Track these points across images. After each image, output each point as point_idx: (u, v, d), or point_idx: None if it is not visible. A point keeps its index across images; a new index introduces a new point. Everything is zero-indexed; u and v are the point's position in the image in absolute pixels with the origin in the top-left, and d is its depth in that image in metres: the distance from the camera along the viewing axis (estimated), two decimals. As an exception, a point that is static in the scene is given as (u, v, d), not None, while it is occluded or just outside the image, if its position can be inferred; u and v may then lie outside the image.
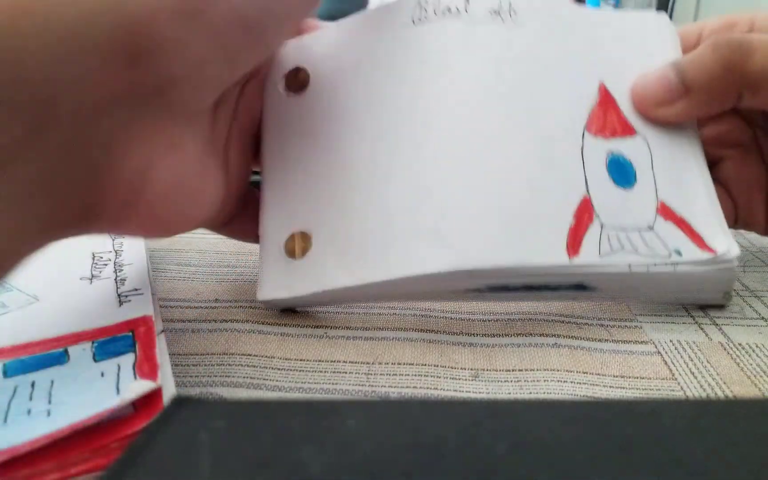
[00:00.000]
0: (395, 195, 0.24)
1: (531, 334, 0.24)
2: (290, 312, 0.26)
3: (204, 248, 0.33)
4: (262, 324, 0.25)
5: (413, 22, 0.26)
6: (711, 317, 0.26)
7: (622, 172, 0.25)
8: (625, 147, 0.25)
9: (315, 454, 0.11)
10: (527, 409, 0.13)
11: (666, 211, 0.25)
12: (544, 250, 0.23)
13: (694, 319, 0.26)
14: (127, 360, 0.19)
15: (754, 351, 0.23)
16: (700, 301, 0.26)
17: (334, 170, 0.26)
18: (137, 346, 0.20)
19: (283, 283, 0.24)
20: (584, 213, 0.24)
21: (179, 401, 0.13)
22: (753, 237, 0.35)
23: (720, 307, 0.26)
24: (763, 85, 0.24)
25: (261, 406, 0.13)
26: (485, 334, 0.24)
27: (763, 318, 0.26)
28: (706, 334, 0.24)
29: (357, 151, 0.25)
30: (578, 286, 0.24)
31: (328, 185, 0.25)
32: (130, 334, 0.21)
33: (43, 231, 0.17)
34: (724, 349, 0.23)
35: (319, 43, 0.28)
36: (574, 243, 0.23)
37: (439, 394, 0.21)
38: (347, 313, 0.26)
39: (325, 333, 0.25)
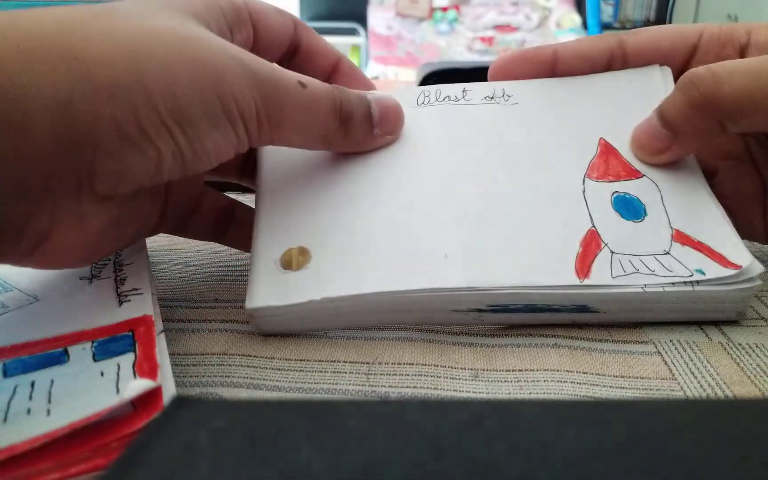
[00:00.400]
0: (402, 220, 0.25)
1: (531, 335, 0.24)
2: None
3: (203, 248, 0.33)
4: (262, 324, 0.25)
5: (417, 104, 0.30)
6: (711, 317, 0.26)
7: (629, 208, 0.26)
8: (631, 187, 0.26)
9: (315, 454, 0.11)
10: (527, 409, 0.13)
11: (682, 237, 0.25)
12: (554, 272, 0.24)
13: (694, 319, 0.25)
14: (127, 359, 0.19)
15: (754, 351, 0.23)
16: (712, 319, 0.25)
17: (335, 189, 0.26)
18: (137, 346, 0.20)
19: (275, 291, 0.24)
20: (591, 242, 0.25)
21: (179, 401, 0.13)
22: (753, 237, 0.35)
23: (733, 322, 0.25)
24: (740, 113, 0.24)
25: (261, 406, 0.13)
26: (485, 334, 0.24)
27: (763, 318, 0.26)
28: (706, 334, 0.24)
29: (360, 174, 0.27)
30: (581, 308, 0.24)
31: (329, 204, 0.26)
32: (130, 333, 0.21)
33: None
34: (724, 349, 0.23)
35: None
36: (582, 267, 0.24)
37: (439, 394, 0.21)
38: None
39: (325, 333, 0.25)
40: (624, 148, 0.27)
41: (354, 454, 0.11)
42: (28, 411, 0.17)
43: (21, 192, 0.18)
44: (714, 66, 0.24)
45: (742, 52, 0.28)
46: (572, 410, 0.13)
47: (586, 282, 0.23)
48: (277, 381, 0.21)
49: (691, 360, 0.23)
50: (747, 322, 0.25)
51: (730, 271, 0.24)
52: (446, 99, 0.30)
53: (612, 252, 0.24)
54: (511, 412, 0.13)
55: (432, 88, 0.30)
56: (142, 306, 0.22)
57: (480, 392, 0.21)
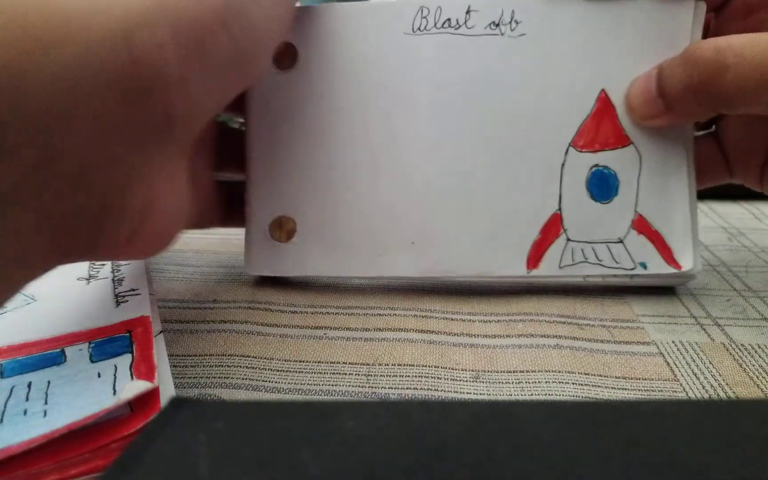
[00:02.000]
0: (378, 202, 0.27)
1: (532, 335, 0.24)
2: (273, 337, 0.25)
3: (201, 248, 0.33)
4: (261, 325, 0.25)
5: (413, 30, 0.27)
6: (713, 318, 0.26)
7: (603, 186, 0.26)
8: (613, 159, 0.26)
9: (315, 456, 0.11)
10: (528, 410, 0.13)
11: (641, 224, 0.26)
12: (505, 263, 0.26)
13: (696, 320, 0.25)
14: (124, 361, 0.19)
15: (756, 352, 0.23)
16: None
17: (320, 158, 0.27)
18: (134, 347, 0.20)
19: (268, 263, 0.27)
20: (552, 228, 0.26)
21: (178, 403, 0.13)
22: (755, 238, 0.35)
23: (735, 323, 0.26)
24: (738, 102, 0.23)
25: (260, 407, 0.13)
26: (486, 335, 0.24)
27: (765, 319, 0.25)
28: (709, 335, 0.24)
29: (343, 144, 0.27)
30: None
31: (314, 173, 0.27)
32: (128, 334, 0.20)
33: (45, 260, 0.17)
34: (727, 350, 0.23)
35: (309, 22, 0.27)
36: (535, 256, 0.26)
37: (439, 396, 0.21)
38: (347, 314, 0.26)
39: (325, 334, 0.24)
40: (622, 104, 0.26)
41: (354, 456, 0.11)
42: (25, 412, 0.17)
43: (112, 159, 0.17)
44: (723, 42, 0.22)
45: None
46: (574, 411, 0.13)
47: (534, 272, 0.26)
48: (276, 382, 0.21)
49: (693, 361, 0.23)
50: (750, 322, 0.25)
51: (670, 270, 0.26)
52: (446, 24, 0.27)
53: (568, 239, 0.26)
54: (513, 413, 0.12)
55: (433, 4, 0.26)
56: (140, 307, 0.22)
57: (481, 393, 0.21)
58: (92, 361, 0.19)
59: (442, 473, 0.10)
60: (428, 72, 0.27)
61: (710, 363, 0.22)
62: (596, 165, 0.26)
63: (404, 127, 0.27)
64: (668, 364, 0.22)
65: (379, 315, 0.26)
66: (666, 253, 0.26)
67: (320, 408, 0.13)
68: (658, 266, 0.26)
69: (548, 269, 0.26)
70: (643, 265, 0.26)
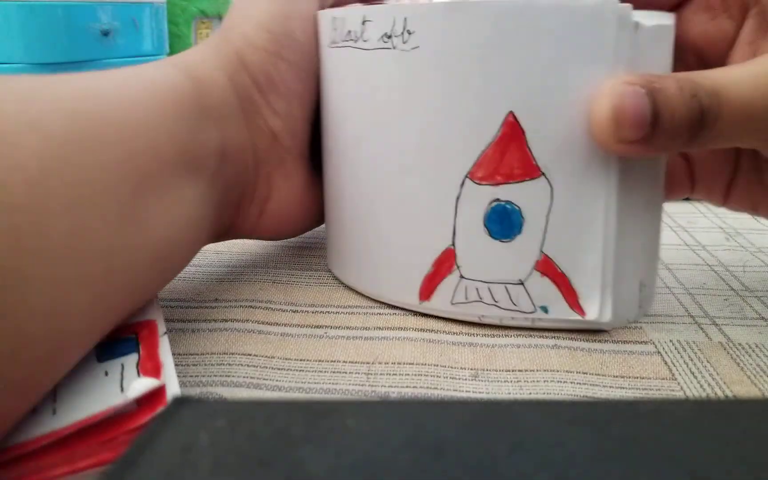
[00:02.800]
0: (338, 207, 0.28)
1: (531, 335, 0.24)
2: (274, 336, 0.26)
3: (203, 248, 0.33)
4: (262, 324, 0.25)
5: (330, 43, 0.26)
6: (711, 317, 0.26)
7: (504, 223, 0.23)
8: (519, 192, 0.22)
9: (315, 454, 0.11)
10: (527, 409, 0.13)
11: (546, 266, 0.23)
12: (399, 289, 0.25)
13: (694, 319, 0.26)
14: (131, 360, 0.19)
15: (754, 351, 0.23)
16: None
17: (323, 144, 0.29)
18: (140, 347, 0.20)
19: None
20: (444, 263, 0.24)
21: (179, 401, 0.13)
22: (753, 238, 0.35)
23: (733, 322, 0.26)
24: (728, 140, 0.21)
25: (261, 405, 0.13)
26: (485, 334, 0.24)
27: (763, 318, 0.26)
28: (706, 334, 0.24)
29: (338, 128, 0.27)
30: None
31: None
32: (134, 336, 0.21)
33: (207, 231, 0.25)
34: (725, 349, 0.23)
35: None
36: (427, 289, 0.24)
37: (439, 394, 0.21)
38: (347, 313, 0.26)
39: (325, 333, 0.25)
40: (536, 127, 0.22)
41: (354, 454, 0.11)
42: (34, 410, 0.17)
43: (246, 157, 0.26)
44: (724, 82, 0.20)
45: (746, 10, 0.23)
46: (572, 410, 0.13)
47: (425, 305, 0.25)
48: (277, 380, 0.21)
49: (691, 360, 0.23)
50: (747, 322, 0.25)
51: (573, 316, 0.23)
52: (348, 36, 0.24)
53: (461, 276, 0.24)
54: (511, 412, 0.13)
55: (339, 20, 0.25)
56: (147, 311, 0.22)
57: (480, 392, 0.21)
58: (99, 361, 0.19)
59: (442, 471, 0.10)
60: (337, 89, 0.26)
61: (708, 362, 0.22)
62: (497, 199, 0.22)
63: (334, 145, 0.27)
64: (666, 363, 0.22)
65: (379, 314, 0.26)
66: (571, 297, 0.23)
67: (321, 406, 0.13)
68: (560, 311, 0.23)
69: (440, 304, 0.24)
70: (544, 309, 0.23)
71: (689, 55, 0.25)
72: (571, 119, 0.22)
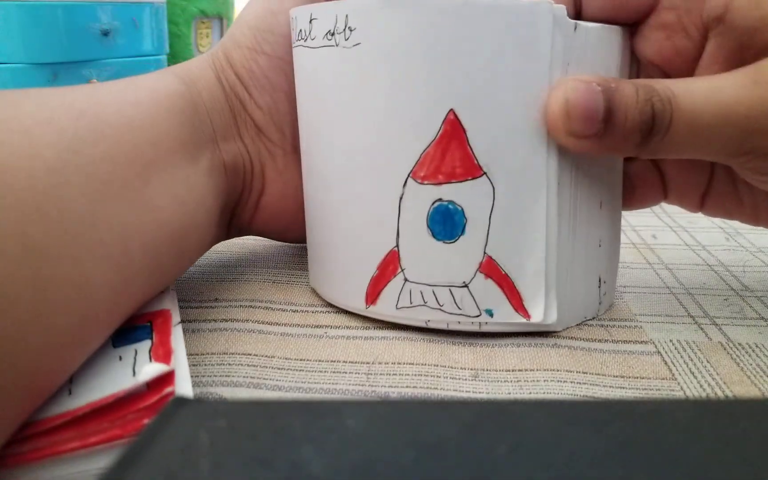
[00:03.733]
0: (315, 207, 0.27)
1: (531, 335, 0.24)
2: (274, 335, 0.26)
3: (204, 248, 0.33)
4: (262, 323, 0.25)
5: (293, 43, 0.25)
6: (711, 317, 0.26)
7: (447, 224, 0.22)
8: (461, 192, 0.22)
9: (315, 454, 0.11)
10: (527, 409, 0.13)
11: (490, 267, 0.23)
12: (345, 293, 0.25)
13: (694, 319, 0.26)
14: (144, 346, 0.20)
15: (754, 351, 0.23)
16: None
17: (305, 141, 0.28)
18: (154, 334, 0.21)
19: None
20: (389, 265, 0.23)
21: (179, 401, 0.13)
22: (753, 238, 0.35)
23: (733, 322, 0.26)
24: (681, 150, 0.21)
25: (261, 405, 0.13)
26: (485, 335, 0.24)
27: (763, 318, 0.26)
28: (706, 334, 0.24)
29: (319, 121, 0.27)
30: None
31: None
32: (149, 324, 0.22)
33: (217, 222, 0.26)
34: (724, 349, 0.23)
35: None
36: (372, 293, 0.24)
37: (439, 394, 0.21)
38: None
39: (325, 333, 0.25)
40: (477, 126, 0.21)
41: (354, 454, 0.11)
42: None
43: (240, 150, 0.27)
44: (680, 92, 0.21)
45: (706, 30, 0.22)
46: (572, 410, 0.13)
47: (371, 309, 0.24)
48: (277, 380, 0.21)
49: (691, 360, 0.23)
50: (747, 322, 0.25)
51: (519, 319, 0.23)
52: (299, 35, 0.24)
53: (406, 279, 0.23)
54: (511, 412, 0.13)
55: (293, 19, 0.25)
56: (161, 301, 0.23)
57: (480, 392, 0.21)
58: (114, 347, 0.20)
59: (442, 471, 0.10)
60: (297, 89, 0.26)
61: (708, 362, 0.22)
62: (440, 199, 0.22)
63: (302, 146, 0.26)
64: (666, 363, 0.22)
65: (379, 314, 0.26)
66: (515, 299, 0.23)
67: (320, 406, 0.13)
68: (505, 314, 0.23)
69: (386, 308, 0.24)
70: (489, 313, 0.23)
71: (656, 72, 0.24)
72: (511, 118, 0.22)
